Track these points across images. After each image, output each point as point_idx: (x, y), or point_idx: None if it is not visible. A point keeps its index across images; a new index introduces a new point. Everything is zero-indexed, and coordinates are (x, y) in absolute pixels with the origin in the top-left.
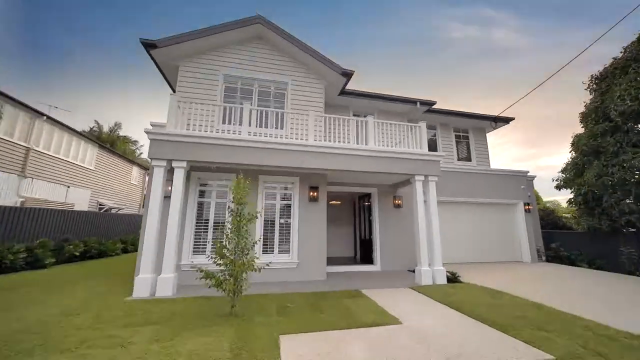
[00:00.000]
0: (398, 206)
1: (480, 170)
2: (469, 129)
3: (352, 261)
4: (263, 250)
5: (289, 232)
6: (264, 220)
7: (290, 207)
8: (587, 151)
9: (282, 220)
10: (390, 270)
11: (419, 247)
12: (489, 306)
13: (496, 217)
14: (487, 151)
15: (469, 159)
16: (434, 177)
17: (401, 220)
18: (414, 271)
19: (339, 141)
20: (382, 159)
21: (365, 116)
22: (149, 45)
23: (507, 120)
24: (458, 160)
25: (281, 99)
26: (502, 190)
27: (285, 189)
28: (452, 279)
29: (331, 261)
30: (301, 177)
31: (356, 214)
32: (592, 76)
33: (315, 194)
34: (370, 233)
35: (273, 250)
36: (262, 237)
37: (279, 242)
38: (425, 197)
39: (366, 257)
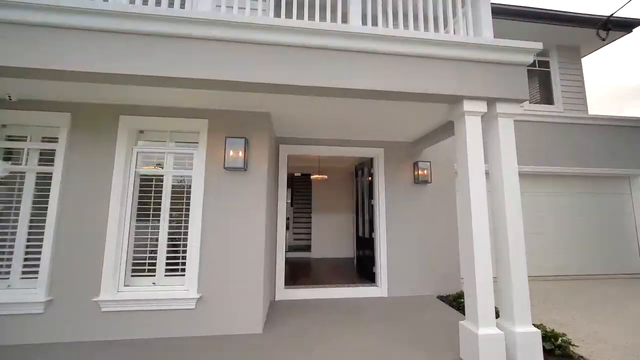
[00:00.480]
0: (423, 181)
1: (570, 118)
2: (550, 49)
3: (349, 270)
4: (133, 271)
5: (186, 234)
6: (137, 208)
7: (190, 181)
8: None
9: (174, 209)
10: (405, 297)
11: (473, 273)
12: None
13: (598, 198)
14: (583, 87)
15: (549, 100)
16: (514, 103)
17: (427, 207)
18: (449, 302)
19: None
20: (385, 60)
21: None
22: None
23: (629, 26)
24: (530, 102)
25: None
26: (609, 153)
27: (180, 143)
28: (559, 354)
29: (316, 273)
30: (212, 120)
31: (355, 195)
32: None
33: (241, 153)
34: (372, 229)
35: (155, 270)
36: (127, 243)
37: (168, 252)
38: (489, 156)
39: (365, 269)
